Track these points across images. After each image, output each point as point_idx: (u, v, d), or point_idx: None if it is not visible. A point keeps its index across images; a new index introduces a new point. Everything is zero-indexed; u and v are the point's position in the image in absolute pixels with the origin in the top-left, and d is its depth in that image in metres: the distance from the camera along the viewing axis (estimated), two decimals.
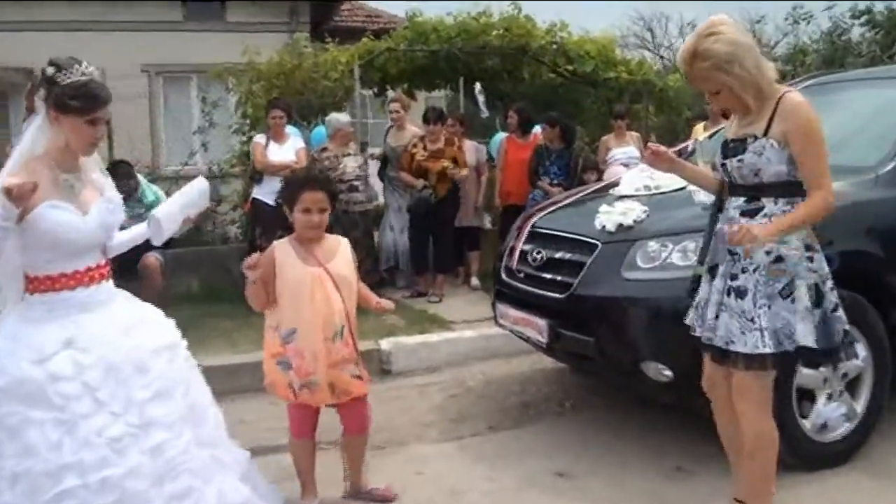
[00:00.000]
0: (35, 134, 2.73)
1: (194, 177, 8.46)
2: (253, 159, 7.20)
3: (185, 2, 11.70)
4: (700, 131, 6.56)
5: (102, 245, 2.87)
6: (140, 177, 6.59)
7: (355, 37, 9.39)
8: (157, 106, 11.65)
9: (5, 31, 10.67)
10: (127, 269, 5.94)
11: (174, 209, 3.09)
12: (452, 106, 10.05)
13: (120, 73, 9.96)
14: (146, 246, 5.87)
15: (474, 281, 7.57)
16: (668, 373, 3.53)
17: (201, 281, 7.59)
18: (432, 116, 7.19)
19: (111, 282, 2.88)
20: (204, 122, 9.04)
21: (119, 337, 2.72)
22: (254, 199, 7.23)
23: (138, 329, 2.81)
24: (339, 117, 7.30)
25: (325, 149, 7.24)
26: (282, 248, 3.29)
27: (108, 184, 2.93)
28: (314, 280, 3.20)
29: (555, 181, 7.16)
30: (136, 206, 6.21)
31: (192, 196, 3.15)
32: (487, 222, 8.08)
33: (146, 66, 11.32)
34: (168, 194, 8.10)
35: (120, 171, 6.21)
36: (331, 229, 3.42)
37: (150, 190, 6.52)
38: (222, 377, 5.13)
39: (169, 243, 6.67)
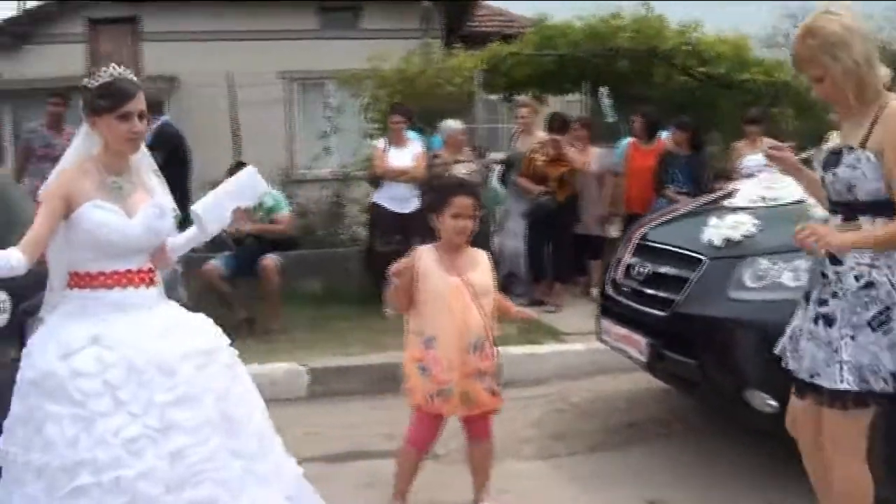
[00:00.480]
0: (84, 138, 2.78)
1: (322, 180, 8.78)
2: (373, 164, 7.29)
3: (321, 11, 12.07)
4: (834, 138, 6.06)
5: (151, 249, 2.81)
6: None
7: (491, 42, 9.37)
8: (293, 111, 12.06)
9: (153, 41, 11.42)
10: (247, 269, 6.42)
11: (215, 201, 2.96)
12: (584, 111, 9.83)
13: (258, 80, 10.51)
14: (267, 247, 6.44)
15: (594, 292, 7.28)
16: (774, 403, 3.23)
17: (323, 282, 7.79)
18: (556, 125, 7.06)
19: (156, 289, 2.81)
20: (330, 127, 9.25)
21: (147, 340, 2.66)
22: (373, 203, 7.33)
23: (172, 333, 2.73)
24: (452, 124, 7.32)
25: (436, 155, 7.27)
26: (425, 255, 3.30)
27: (160, 188, 2.87)
28: (453, 290, 3.21)
29: (682, 189, 6.83)
30: (257, 208, 6.47)
31: (236, 187, 2.99)
32: (613, 231, 7.82)
33: (283, 73, 11.76)
34: (292, 198, 8.54)
35: (231, 171, 6.54)
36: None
37: (269, 195, 6.58)
38: (331, 378, 5.36)
39: (291, 245, 7.02)
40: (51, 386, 2.55)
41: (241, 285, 6.65)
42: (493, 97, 9.15)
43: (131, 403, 2.55)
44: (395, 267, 3.25)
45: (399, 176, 7.05)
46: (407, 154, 7.12)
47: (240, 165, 6.36)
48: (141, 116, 2.69)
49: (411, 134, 7.41)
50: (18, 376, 2.67)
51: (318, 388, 5.36)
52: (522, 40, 8.77)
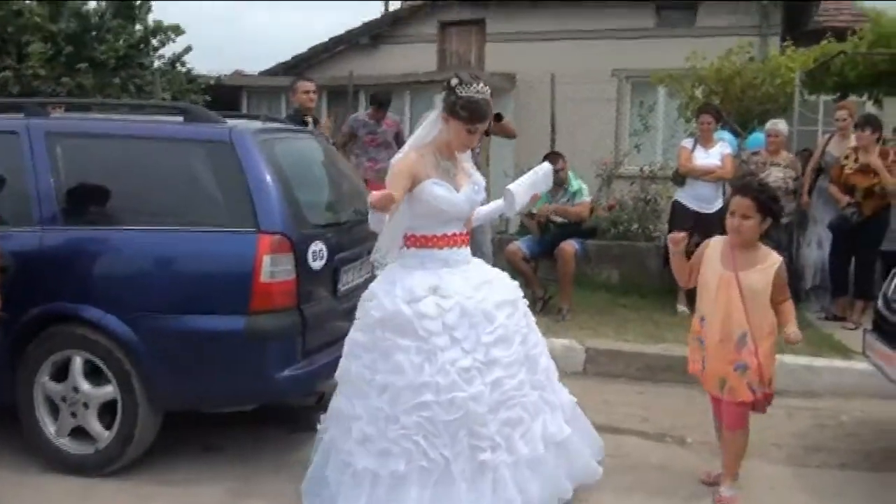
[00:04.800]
0: (428, 127, 3.32)
1: (635, 177, 8.85)
2: (678, 163, 7.41)
3: (659, 10, 12.22)
4: None
5: (467, 217, 3.41)
6: (570, 171, 7.20)
7: (838, 38, 8.85)
8: (625, 108, 12.37)
9: (495, 41, 12.49)
10: (547, 252, 6.96)
11: (524, 187, 3.52)
12: None
13: (593, 78, 11.04)
14: (568, 233, 6.97)
15: None
16: None
17: (621, 273, 8.10)
18: (861, 122, 6.57)
19: (468, 248, 3.41)
20: (644, 125, 9.41)
21: (472, 290, 3.26)
22: (675, 201, 7.43)
23: (487, 286, 3.33)
24: (777, 123, 7.14)
25: (756, 153, 7.15)
26: (713, 245, 3.61)
27: (474, 171, 3.48)
28: (721, 281, 3.46)
29: None
30: (563, 194, 7.02)
31: (537, 178, 3.57)
32: None
33: (616, 71, 12.15)
34: (608, 190, 8.90)
35: (550, 160, 7.04)
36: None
37: (576, 181, 7.14)
38: (604, 359, 5.73)
39: (592, 234, 7.40)
40: (399, 323, 3.17)
41: (541, 267, 7.29)
42: (825, 98, 8.63)
43: (464, 341, 3.16)
44: (672, 236, 3.60)
45: (703, 175, 7.06)
46: (714, 154, 7.11)
47: (552, 155, 7.04)
48: (486, 133, 3.42)
49: (722, 134, 7.39)
50: (360, 311, 3.33)
51: (592, 366, 5.75)
52: (858, 38, 8.15)
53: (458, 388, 3.09)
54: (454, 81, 3.20)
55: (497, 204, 3.58)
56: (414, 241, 3.32)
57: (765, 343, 3.43)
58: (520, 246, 7.04)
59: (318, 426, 3.56)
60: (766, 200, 3.43)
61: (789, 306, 3.46)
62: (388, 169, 3.33)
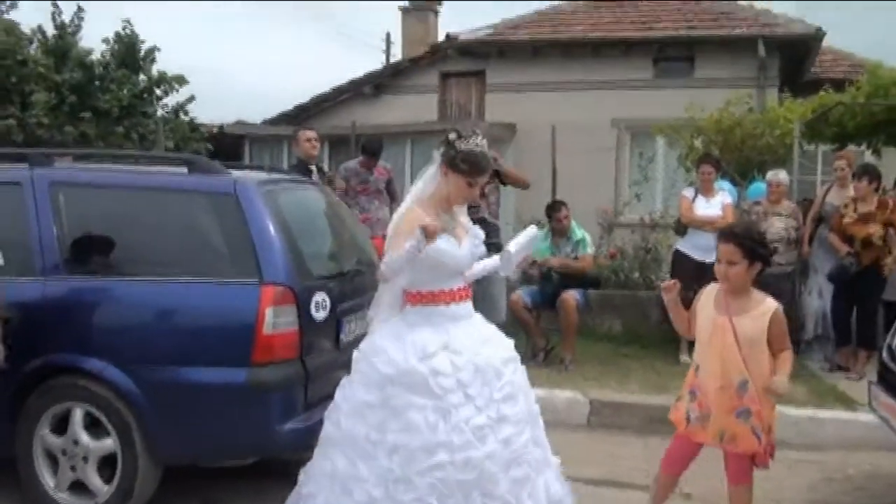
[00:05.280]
0: (428, 181, 3.31)
1: (634, 225, 8.82)
2: (680, 212, 7.41)
3: (657, 62, 12.41)
4: None
5: (465, 271, 3.38)
6: (573, 220, 7.17)
7: (836, 89, 8.92)
8: (624, 157, 12.50)
9: (496, 91, 12.64)
10: (548, 302, 6.90)
11: (520, 247, 3.48)
12: None
13: (593, 127, 11.16)
14: (570, 283, 6.94)
15: None
16: None
17: (623, 322, 8.06)
18: (859, 172, 6.60)
19: (470, 302, 3.38)
20: (644, 174, 9.50)
21: (479, 346, 3.26)
22: (676, 250, 7.43)
23: (491, 341, 3.34)
24: (778, 173, 7.18)
25: (758, 202, 7.18)
26: (707, 292, 3.52)
27: (471, 225, 3.45)
28: (715, 327, 3.37)
29: None
30: (566, 243, 7.00)
31: (527, 240, 3.53)
32: None
33: (616, 121, 12.30)
34: (607, 239, 8.89)
35: (554, 209, 7.06)
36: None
37: (579, 230, 7.11)
38: (609, 411, 5.66)
39: (594, 284, 7.37)
40: (412, 381, 3.12)
41: (543, 317, 7.21)
42: (812, 147, 8.68)
43: (477, 398, 3.15)
44: (664, 284, 3.54)
45: (704, 225, 7.07)
46: (715, 204, 7.12)
47: (555, 203, 7.07)
48: (482, 187, 3.40)
49: (722, 184, 7.43)
50: (363, 367, 3.23)
51: (596, 419, 5.68)
52: (855, 88, 8.24)
53: (472, 447, 3.08)
54: (452, 136, 3.23)
55: (493, 262, 3.54)
56: (419, 297, 3.29)
57: (758, 389, 3.30)
58: (521, 295, 6.99)
59: (300, 479, 3.49)
60: (750, 245, 3.32)
61: (787, 356, 3.32)
62: (390, 222, 3.33)
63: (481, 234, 3.47)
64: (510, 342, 3.48)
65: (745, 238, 3.34)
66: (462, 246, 3.31)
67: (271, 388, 3.58)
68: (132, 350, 3.64)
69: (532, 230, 3.61)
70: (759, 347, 3.29)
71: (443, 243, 3.19)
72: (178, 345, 3.61)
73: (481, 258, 3.52)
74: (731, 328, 3.30)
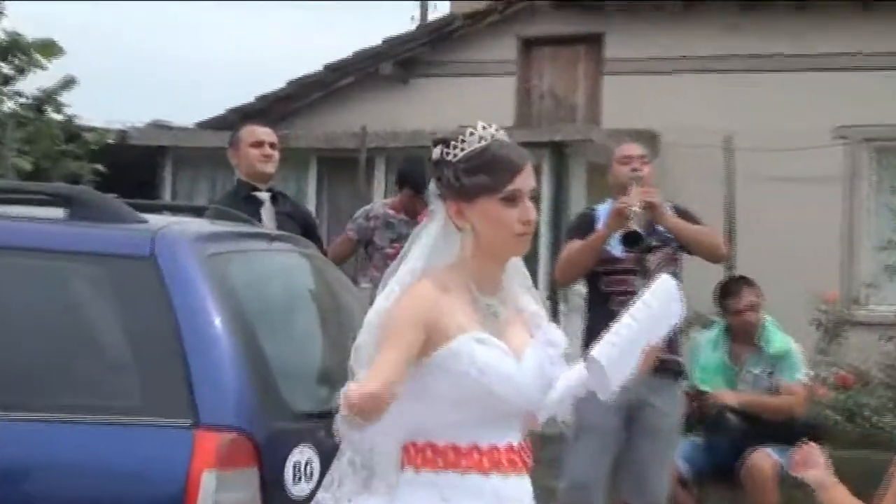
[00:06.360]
0: (432, 248, 2.23)
1: (890, 324, 6.91)
2: None
3: None
4: None
5: (527, 412, 2.30)
6: (767, 317, 5.23)
7: None
8: (860, 194, 8.96)
9: (621, 73, 9.21)
10: (724, 469, 5.04)
11: (623, 347, 2.19)
12: None
13: (801, 138, 8.48)
14: (764, 434, 5.08)
15: None
16: None
17: (863, 497, 5.64)
18: None
19: (527, 474, 2.34)
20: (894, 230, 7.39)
21: None
22: None
23: None
24: None
25: None
26: None
27: (541, 313, 2.30)
28: None
29: None
30: (754, 359, 5.11)
31: (650, 314, 2.23)
32: None
33: (843, 129, 8.80)
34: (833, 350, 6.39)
35: (730, 292, 5.22)
36: None
37: (779, 335, 5.20)
38: None
39: (815, 434, 5.03)
40: None
41: (713, 493, 5.36)
42: None
43: None
44: None
45: None
46: None
47: (734, 284, 5.36)
48: (532, 197, 2.32)
49: None
50: None
51: None
52: None
53: None
54: (436, 153, 2.19)
55: (580, 374, 2.25)
56: (431, 457, 2.17)
57: None
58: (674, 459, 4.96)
59: None
60: None
61: None
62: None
63: (561, 338, 2.25)
64: None
65: None
66: (524, 357, 2.17)
67: None
68: None
69: (667, 285, 2.27)
70: None
71: (485, 353, 2.11)
72: None
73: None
74: None
